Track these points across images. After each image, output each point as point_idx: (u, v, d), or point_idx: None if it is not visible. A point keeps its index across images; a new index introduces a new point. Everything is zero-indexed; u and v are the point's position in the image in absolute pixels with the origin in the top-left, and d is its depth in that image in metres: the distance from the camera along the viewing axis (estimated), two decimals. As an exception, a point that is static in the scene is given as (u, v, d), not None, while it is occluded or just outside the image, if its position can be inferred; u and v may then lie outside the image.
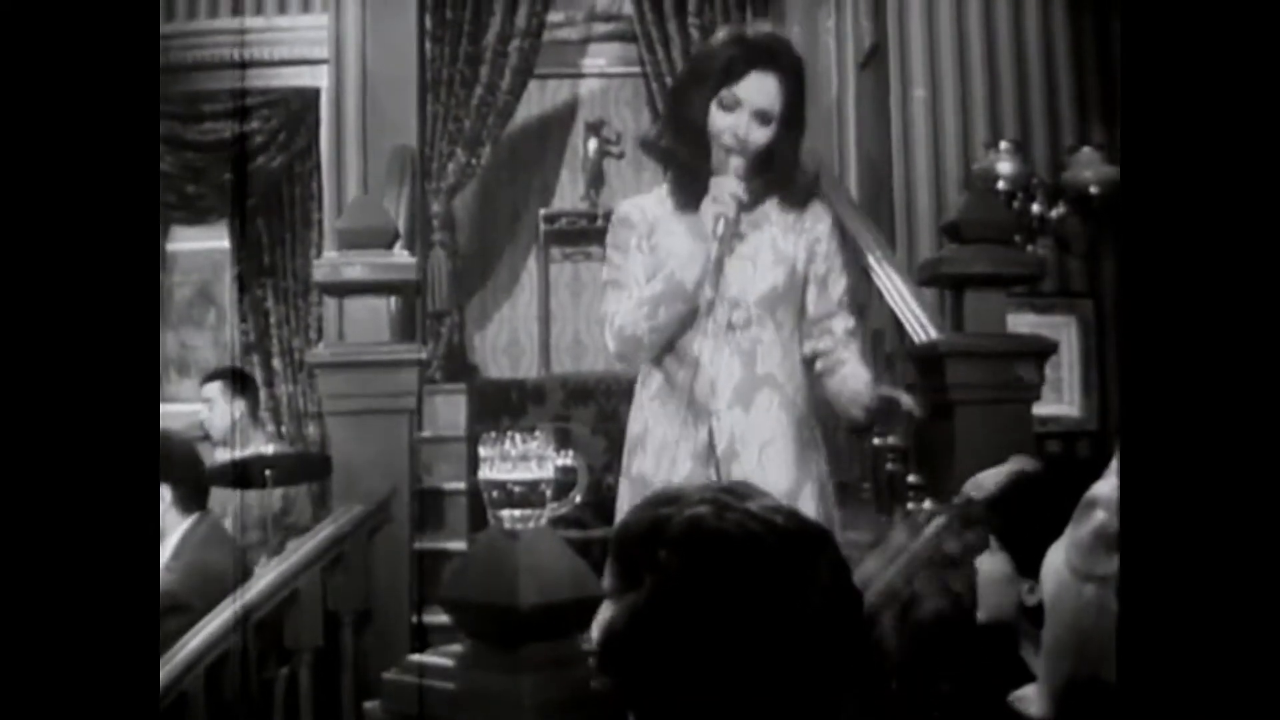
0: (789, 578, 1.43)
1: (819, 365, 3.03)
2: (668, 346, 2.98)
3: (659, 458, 2.98)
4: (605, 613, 1.55)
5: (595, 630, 1.71)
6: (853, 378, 2.95)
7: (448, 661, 1.87)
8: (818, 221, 3.07)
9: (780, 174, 3.03)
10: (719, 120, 2.95)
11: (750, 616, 1.41)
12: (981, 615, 2.50)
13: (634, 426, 3.08)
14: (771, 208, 3.04)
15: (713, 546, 1.44)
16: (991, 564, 2.47)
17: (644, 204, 3.11)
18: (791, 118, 2.98)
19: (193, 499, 3.94)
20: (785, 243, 3.03)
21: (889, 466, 4.54)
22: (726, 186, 2.92)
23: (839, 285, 3.07)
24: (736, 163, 2.95)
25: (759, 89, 2.94)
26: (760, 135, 2.95)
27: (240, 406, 5.44)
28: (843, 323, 3.05)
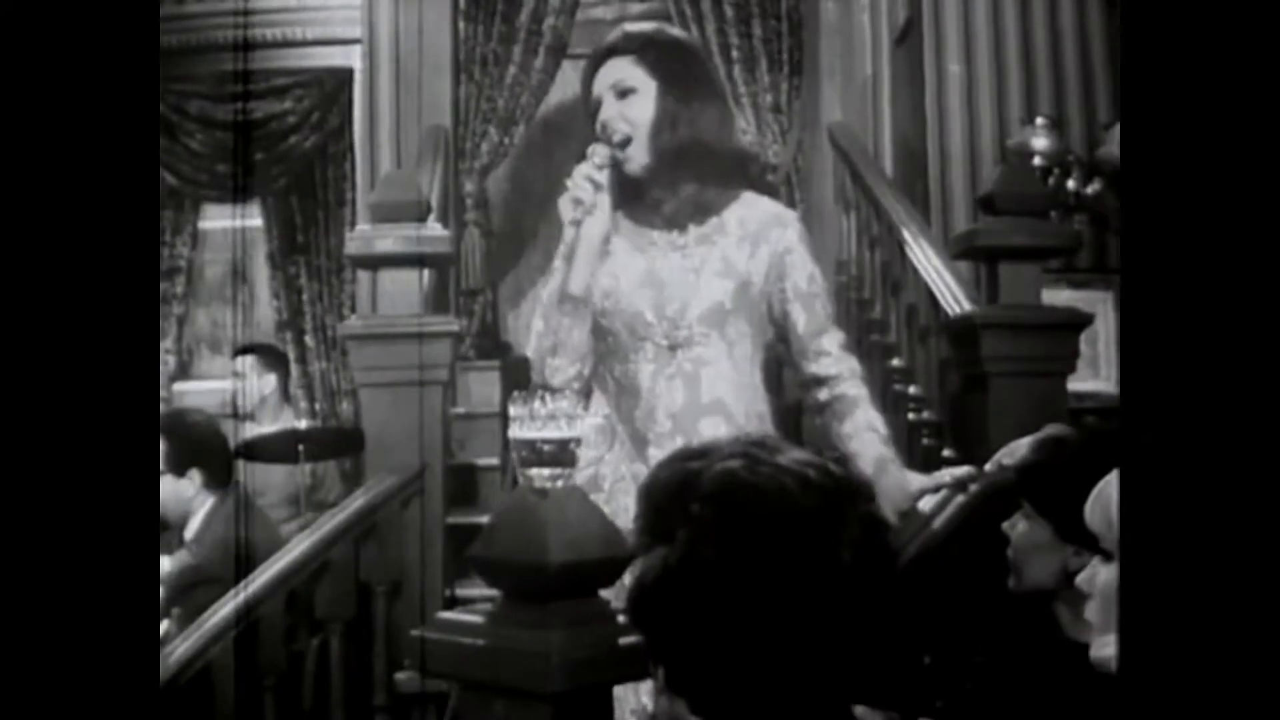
0: (820, 532, 1.42)
1: (822, 395, 2.77)
2: (609, 371, 2.73)
3: (609, 498, 2.64)
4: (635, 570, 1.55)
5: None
6: (871, 450, 2.69)
7: (476, 619, 1.86)
8: (785, 229, 2.78)
9: (694, 150, 2.71)
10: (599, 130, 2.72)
11: (781, 570, 1.40)
12: (1015, 583, 2.47)
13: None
14: (730, 218, 2.76)
15: (745, 500, 1.43)
16: (1029, 531, 2.43)
17: None
18: (674, 90, 2.71)
19: (219, 477, 3.95)
20: (739, 254, 2.73)
21: (923, 441, 4.53)
22: (580, 169, 2.65)
23: (823, 297, 2.80)
24: (605, 141, 2.68)
25: (607, 74, 2.75)
26: (627, 108, 2.71)
27: (271, 381, 5.45)
28: (835, 338, 2.79)
